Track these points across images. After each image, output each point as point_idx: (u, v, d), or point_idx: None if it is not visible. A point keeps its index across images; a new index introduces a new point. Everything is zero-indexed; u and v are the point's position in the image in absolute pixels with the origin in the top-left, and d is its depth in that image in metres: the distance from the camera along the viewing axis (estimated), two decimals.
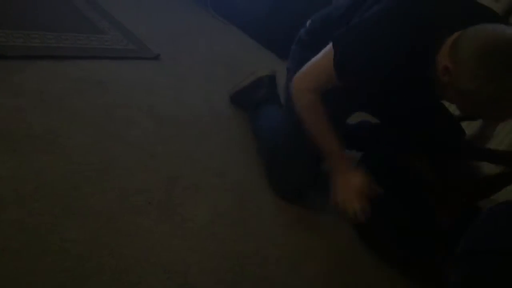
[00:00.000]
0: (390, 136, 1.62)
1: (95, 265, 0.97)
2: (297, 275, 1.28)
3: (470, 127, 1.69)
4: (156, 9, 2.63)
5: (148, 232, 1.12)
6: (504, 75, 1.01)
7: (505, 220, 1.08)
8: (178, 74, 1.97)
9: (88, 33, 1.83)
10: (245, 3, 3.03)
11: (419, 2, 1.19)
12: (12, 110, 1.25)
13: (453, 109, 1.70)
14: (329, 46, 1.26)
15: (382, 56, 1.16)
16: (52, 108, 1.34)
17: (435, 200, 1.48)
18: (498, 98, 1.03)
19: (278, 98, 1.88)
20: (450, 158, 1.57)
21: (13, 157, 1.11)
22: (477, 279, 1.03)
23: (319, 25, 1.57)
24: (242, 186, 1.51)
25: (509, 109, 1.08)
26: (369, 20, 1.21)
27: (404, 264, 1.53)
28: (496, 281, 0.98)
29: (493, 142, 2.41)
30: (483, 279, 1.01)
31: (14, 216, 0.97)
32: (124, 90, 1.63)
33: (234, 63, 2.47)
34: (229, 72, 2.31)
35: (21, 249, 0.91)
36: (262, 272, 1.22)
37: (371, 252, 1.55)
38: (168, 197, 1.27)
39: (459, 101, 1.16)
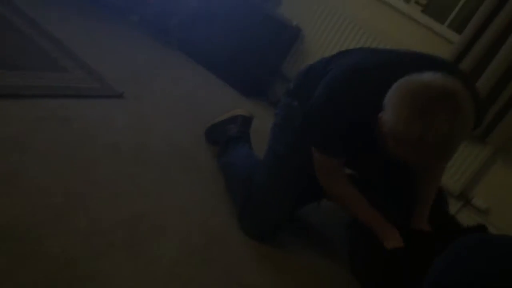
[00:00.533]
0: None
1: None
2: None
3: None
4: (121, 47, 2.63)
5: (109, 276, 1.08)
6: (426, 113, 1.09)
7: (466, 255, 1.10)
8: (142, 112, 1.96)
9: (51, 71, 1.80)
10: (209, 44, 3.08)
11: (364, 74, 1.31)
12: None
13: None
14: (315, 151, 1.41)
15: (344, 128, 1.32)
16: (11, 148, 1.30)
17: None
18: (423, 136, 1.09)
19: (249, 138, 1.90)
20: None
21: None
22: None
23: (303, 76, 1.65)
24: (209, 225, 1.49)
25: (434, 148, 1.12)
26: (318, 105, 1.36)
27: None
28: None
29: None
30: None
31: None
32: (87, 128, 1.60)
33: (198, 101, 2.48)
34: (193, 110, 2.32)
35: None
36: None
37: None
38: (132, 238, 1.23)
39: (396, 147, 1.19)
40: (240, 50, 3.00)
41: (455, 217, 1.75)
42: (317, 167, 1.46)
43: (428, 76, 1.14)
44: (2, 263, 0.95)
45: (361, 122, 1.29)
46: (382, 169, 1.59)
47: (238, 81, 3.03)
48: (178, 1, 3.21)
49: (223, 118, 1.98)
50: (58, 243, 1.08)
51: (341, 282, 1.61)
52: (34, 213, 1.13)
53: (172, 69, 2.79)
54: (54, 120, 1.54)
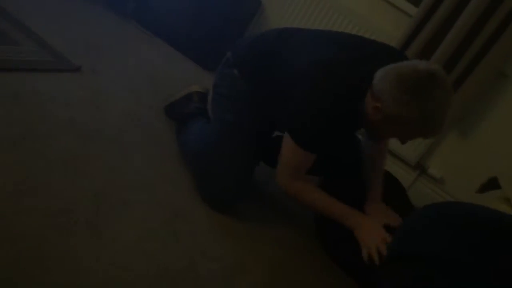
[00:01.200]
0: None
1: None
2: None
3: None
4: (75, 19, 2.51)
5: (75, 253, 1.06)
6: (421, 93, 1.27)
7: (421, 225, 1.15)
8: (99, 87, 1.90)
9: (1, 44, 1.71)
10: (168, 14, 2.99)
11: (331, 73, 1.41)
12: None
13: None
14: (287, 140, 1.44)
15: (329, 124, 1.40)
16: None
17: None
18: (426, 116, 1.29)
19: (206, 114, 1.88)
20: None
21: None
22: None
23: (246, 51, 1.68)
24: (173, 200, 1.48)
25: (434, 124, 1.33)
26: (302, 103, 1.42)
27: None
28: None
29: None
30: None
31: None
32: (41, 104, 1.54)
33: (158, 75, 2.43)
34: (152, 84, 2.27)
35: None
36: (196, 287, 1.20)
37: (307, 264, 1.58)
38: (95, 215, 1.21)
39: (392, 128, 1.39)
40: (199, 22, 2.94)
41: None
42: (286, 160, 1.49)
43: (409, 63, 1.34)
44: None
45: (342, 115, 1.40)
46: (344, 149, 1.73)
47: (197, 54, 2.97)
48: None
49: (180, 95, 1.97)
50: (21, 223, 1.05)
51: (303, 250, 1.65)
52: None
53: (129, 41, 2.71)
54: (7, 96, 1.47)
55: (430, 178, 2.66)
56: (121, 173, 1.45)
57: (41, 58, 1.79)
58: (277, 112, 1.56)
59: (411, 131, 1.37)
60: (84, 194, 1.26)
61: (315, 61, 1.44)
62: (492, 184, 1.88)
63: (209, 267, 1.29)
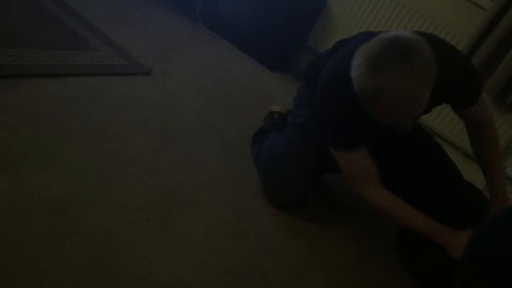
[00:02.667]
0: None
1: (95, 285, 0.95)
2: None
3: None
4: (146, 24, 2.63)
5: (147, 250, 1.11)
6: (376, 65, 1.08)
7: (505, 226, 1.08)
8: (170, 88, 1.97)
9: (80, 50, 1.82)
10: (234, 17, 3.04)
11: (338, 78, 1.30)
12: (5, 130, 1.24)
13: None
14: (334, 153, 1.40)
15: (346, 120, 1.33)
16: (45, 127, 1.33)
17: None
18: (380, 90, 1.08)
19: (283, 128, 1.91)
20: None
21: (6, 178, 1.09)
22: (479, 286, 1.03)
23: (310, 66, 1.71)
24: (241, 200, 1.51)
25: (394, 99, 1.09)
26: (319, 109, 1.42)
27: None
28: None
29: None
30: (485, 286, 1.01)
31: (11, 237, 0.95)
32: (117, 106, 1.62)
33: (225, 76, 2.48)
34: (220, 84, 2.32)
35: (19, 271, 0.90)
36: (262, 285, 1.21)
37: (371, 264, 1.55)
38: (166, 213, 1.26)
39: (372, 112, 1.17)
40: (265, 23, 2.96)
41: None
42: (345, 171, 1.43)
43: (379, 35, 1.14)
44: (45, 239, 0.99)
45: (355, 114, 1.25)
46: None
47: (263, 55, 3.00)
48: None
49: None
50: (96, 220, 1.11)
51: (370, 254, 1.62)
52: (72, 190, 1.16)
53: (197, 43, 2.79)
54: (85, 98, 1.57)
55: (507, 180, 2.51)
56: (190, 173, 1.50)
57: (115, 62, 1.89)
58: None
59: (377, 111, 1.14)
60: (156, 193, 1.32)
61: (331, 67, 1.39)
62: None
63: (274, 265, 1.30)
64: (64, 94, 1.52)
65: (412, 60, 1.06)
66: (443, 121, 2.63)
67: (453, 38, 2.60)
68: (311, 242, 1.50)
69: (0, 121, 1.26)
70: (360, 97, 1.14)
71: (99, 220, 1.11)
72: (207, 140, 1.74)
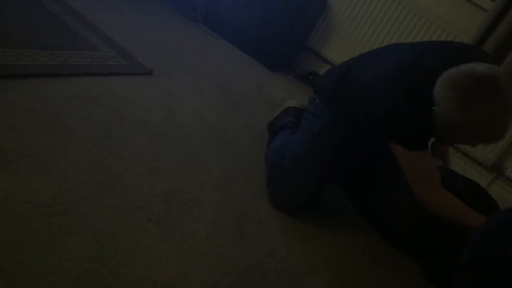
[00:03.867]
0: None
1: (96, 285, 0.95)
2: None
3: None
4: (147, 25, 2.63)
5: (148, 250, 1.11)
6: (472, 101, 1.25)
7: (505, 228, 1.08)
8: (171, 89, 1.97)
9: (81, 50, 1.82)
10: (235, 18, 3.05)
11: (416, 74, 1.40)
12: (5, 130, 1.23)
13: None
14: (400, 150, 1.43)
15: (420, 116, 1.38)
16: (46, 127, 1.33)
17: None
18: (473, 122, 1.27)
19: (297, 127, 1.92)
20: None
21: (8, 177, 1.09)
22: None
23: (325, 75, 1.77)
24: (242, 201, 1.51)
25: (488, 131, 1.32)
26: (391, 108, 1.42)
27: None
28: None
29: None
30: None
31: (11, 237, 0.95)
32: (118, 106, 1.62)
33: (226, 77, 2.48)
34: (220, 85, 2.32)
35: (20, 270, 0.90)
36: (263, 286, 1.21)
37: (372, 266, 1.55)
38: (167, 213, 1.26)
39: (450, 133, 1.38)
40: (266, 24, 2.97)
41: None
42: (411, 171, 1.45)
43: (466, 67, 1.28)
44: (46, 239, 0.99)
45: (421, 109, 1.37)
46: None
47: (264, 55, 3.01)
48: None
49: (279, 111, 2.03)
50: (96, 220, 1.11)
51: (372, 257, 1.62)
52: (74, 190, 1.16)
53: (198, 44, 2.79)
54: (86, 98, 1.57)
55: (508, 180, 2.51)
56: (191, 173, 1.50)
57: (116, 62, 1.89)
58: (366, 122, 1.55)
59: (465, 136, 1.37)
60: (157, 193, 1.31)
61: (395, 65, 1.44)
62: None
63: (276, 267, 1.30)
64: (65, 94, 1.52)
65: (500, 97, 1.26)
66: None
67: (454, 39, 2.61)
68: (312, 243, 1.50)
69: (0, 121, 1.26)
70: (450, 121, 1.30)
71: (100, 220, 1.11)
72: (208, 140, 1.74)
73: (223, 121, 1.96)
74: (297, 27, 3.02)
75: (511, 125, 1.31)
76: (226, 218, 1.38)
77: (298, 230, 1.53)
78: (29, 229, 0.99)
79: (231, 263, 1.22)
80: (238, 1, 3.05)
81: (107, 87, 1.70)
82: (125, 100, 1.68)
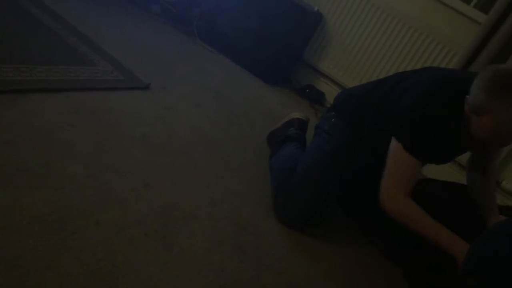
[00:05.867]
0: None
1: None
2: None
3: None
4: (144, 38, 2.64)
5: (145, 265, 1.10)
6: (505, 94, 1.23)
7: (504, 239, 1.09)
8: (168, 103, 1.98)
9: (78, 65, 1.82)
10: (231, 32, 3.07)
11: (440, 84, 1.42)
12: (3, 144, 1.23)
13: None
14: (394, 147, 1.42)
15: (439, 127, 1.38)
16: (44, 141, 1.33)
17: None
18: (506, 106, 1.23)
19: (303, 140, 1.94)
20: None
21: (5, 192, 1.09)
22: None
23: (344, 95, 1.79)
24: (240, 214, 1.50)
25: None
26: (414, 106, 1.41)
27: None
28: None
29: None
30: None
31: (8, 252, 0.95)
32: (115, 120, 1.63)
33: (223, 91, 2.48)
34: (218, 99, 2.33)
35: (16, 286, 0.89)
36: None
37: (372, 277, 1.54)
38: (165, 228, 1.25)
39: (493, 134, 1.30)
40: (262, 38, 2.99)
41: None
42: (392, 170, 1.43)
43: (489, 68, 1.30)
44: (43, 254, 0.98)
45: (448, 124, 1.38)
46: None
47: (261, 69, 3.02)
48: None
49: (282, 122, 2.03)
50: (94, 235, 1.10)
51: (372, 269, 1.61)
52: (70, 205, 1.15)
53: (195, 59, 2.80)
54: (83, 113, 1.57)
55: (504, 192, 2.51)
56: (189, 187, 1.49)
57: (114, 77, 1.89)
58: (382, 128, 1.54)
59: (500, 127, 1.28)
60: (154, 207, 1.31)
61: (427, 78, 1.47)
62: None
63: (274, 280, 1.29)
64: (62, 109, 1.52)
65: None
66: None
67: (449, 52, 2.63)
68: (311, 256, 1.50)
69: None
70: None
71: (97, 235, 1.11)
72: (205, 154, 1.74)
73: (220, 134, 1.97)
74: (293, 41, 3.05)
75: None
76: (224, 231, 1.38)
77: (297, 242, 1.53)
78: (26, 244, 0.98)
79: (230, 277, 1.21)
80: (234, 16, 3.07)
81: (105, 102, 1.71)
82: (123, 115, 1.69)
